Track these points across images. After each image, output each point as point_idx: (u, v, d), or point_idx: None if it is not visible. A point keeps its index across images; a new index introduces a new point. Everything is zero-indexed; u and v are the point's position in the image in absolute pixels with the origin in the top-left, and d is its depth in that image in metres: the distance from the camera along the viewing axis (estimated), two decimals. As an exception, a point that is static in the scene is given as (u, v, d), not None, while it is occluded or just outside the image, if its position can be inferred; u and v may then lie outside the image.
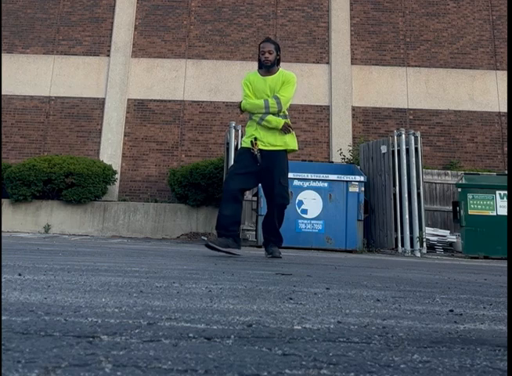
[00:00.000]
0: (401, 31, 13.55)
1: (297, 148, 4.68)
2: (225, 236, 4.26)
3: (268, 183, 4.51)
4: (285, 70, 4.68)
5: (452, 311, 1.60)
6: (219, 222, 4.34)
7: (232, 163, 4.64)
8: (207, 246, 4.24)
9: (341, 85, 13.11)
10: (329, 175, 8.24)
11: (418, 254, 8.00)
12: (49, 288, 1.70)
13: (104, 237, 9.74)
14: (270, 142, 4.49)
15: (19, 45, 13.40)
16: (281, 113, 4.54)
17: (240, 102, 4.69)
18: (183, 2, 13.68)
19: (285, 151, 4.56)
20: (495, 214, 8.22)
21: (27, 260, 2.91)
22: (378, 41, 13.48)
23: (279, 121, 4.50)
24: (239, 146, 8.96)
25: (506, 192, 8.17)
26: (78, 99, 13.02)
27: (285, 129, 4.51)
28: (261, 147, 4.45)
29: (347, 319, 1.34)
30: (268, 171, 4.48)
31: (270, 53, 4.55)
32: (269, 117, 4.48)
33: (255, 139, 4.46)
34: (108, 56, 13.27)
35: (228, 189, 4.36)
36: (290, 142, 4.57)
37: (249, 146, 4.47)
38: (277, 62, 4.64)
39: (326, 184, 8.20)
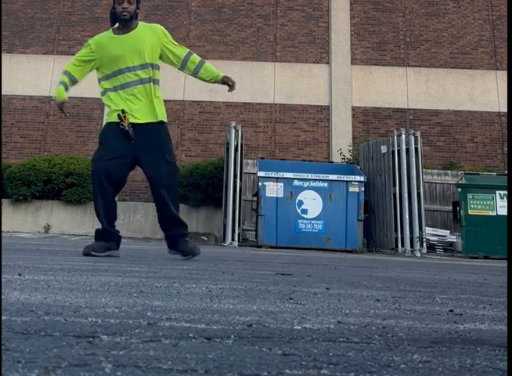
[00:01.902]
0: (401, 31, 13.55)
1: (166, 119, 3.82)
2: (103, 240, 3.62)
3: (152, 164, 3.66)
4: (144, 22, 3.87)
5: (452, 311, 1.60)
6: (100, 222, 3.66)
7: (99, 145, 3.71)
8: (87, 254, 3.54)
9: (341, 85, 13.11)
10: (329, 175, 8.24)
11: (418, 254, 8.00)
12: (49, 288, 1.70)
13: (104, 237, 9.73)
14: (144, 114, 3.66)
15: (19, 45, 13.40)
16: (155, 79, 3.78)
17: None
18: (183, 2, 13.68)
19: (162, 123, 3.75)
20: (495, 214, 8.22)
21: (27, 260, 2.91)
22: (378, 41, 13.48)
23: (214, 71, 3.97)
24: (239, 146, 8.97)
25: (506, 192, 8.17)
26: (78, 99, 13.01)
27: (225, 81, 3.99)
28: (132, 121, 3.59)
29: (347, 319, 1.34)
30: (147, 150, 3.64)
31: (130, 3, 3.59)
32: (206, 66, 3.90)
33: (123, 111, 3.58)
34: (108, 56, 13.27)
35: (99, 183, 3.57)
36: (162, 112, 3.80)
37: (116, 120, 3.58)
38: (136, 16, 3.71)
39: (326, 184, 8.20)
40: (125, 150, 3.59)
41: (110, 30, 3.76)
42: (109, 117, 3.71)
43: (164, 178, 3.64)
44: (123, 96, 3.63)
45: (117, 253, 3.71)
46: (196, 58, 3.85)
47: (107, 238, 3.62)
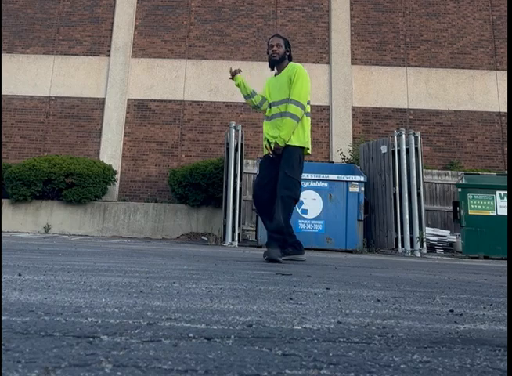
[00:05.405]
0: (401, 31, 13.55)
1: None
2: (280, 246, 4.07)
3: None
4: (294, 63, 4.38)
5: (452, 311, 1.60)
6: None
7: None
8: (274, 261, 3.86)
9: (341, 85, 13.11)
10: (330, 175, 8.23)
11: (418, 255, 8.00)
12: (49, 288, 1.70)
13: (104, 237, 9.74)
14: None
15: (19, 45, 13.39)
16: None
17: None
18: (183, 2, 13.68)
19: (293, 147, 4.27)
20: (495, 214, 8.21)
21: (26, 260, 2.91)
22: (378, 41, 13.48)
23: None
24: (239, 146, 8.96)
25: (506, 192, 8.16)
26: (78, 99, 13.02)
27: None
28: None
29: (348, 320, 1.34)
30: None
31: (278, 46, 4.29)
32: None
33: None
34: (108, 56, 13.27)
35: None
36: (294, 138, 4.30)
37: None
38: (288, 58, 4.39)
39: (326, 184, 8.20)
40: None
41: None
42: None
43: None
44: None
45: (299, 258, 4.15)
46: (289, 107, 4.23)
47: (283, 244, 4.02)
